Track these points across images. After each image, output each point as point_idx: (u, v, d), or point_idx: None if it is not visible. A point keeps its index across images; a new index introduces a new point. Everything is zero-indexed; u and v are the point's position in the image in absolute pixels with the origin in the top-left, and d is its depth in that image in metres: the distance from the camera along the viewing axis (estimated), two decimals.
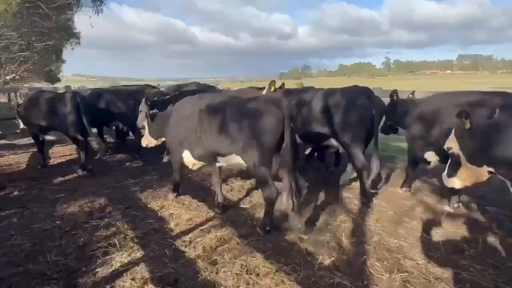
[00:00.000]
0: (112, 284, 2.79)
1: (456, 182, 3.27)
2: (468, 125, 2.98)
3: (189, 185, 5.33)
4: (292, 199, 3.41)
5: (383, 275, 2.88)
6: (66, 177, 5.97)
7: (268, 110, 3.47)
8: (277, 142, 3.46)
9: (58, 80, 41.10)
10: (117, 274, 2.94)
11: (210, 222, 3.99)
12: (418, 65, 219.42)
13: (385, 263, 3.06)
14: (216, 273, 2.92)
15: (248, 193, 4.99)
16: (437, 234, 3.58)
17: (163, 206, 4.53)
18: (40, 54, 22.45)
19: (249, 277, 2.83)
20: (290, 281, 2.78)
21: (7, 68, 22.82)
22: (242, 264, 3.03)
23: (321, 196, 4.79)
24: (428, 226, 3.73)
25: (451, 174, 3.28)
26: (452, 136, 3.20)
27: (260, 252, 3.26)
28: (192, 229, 3.81)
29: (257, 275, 2.88)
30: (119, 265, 3.08)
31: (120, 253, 3.28)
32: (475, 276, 2.83)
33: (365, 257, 3.15)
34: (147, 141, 5.14)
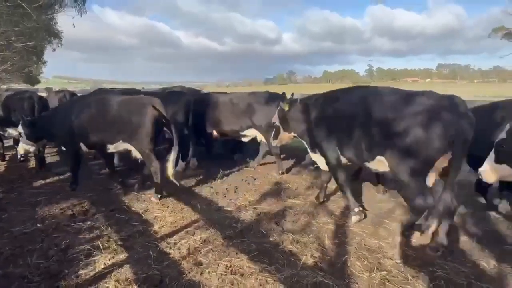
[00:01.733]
0: (96, 285, 2.78)
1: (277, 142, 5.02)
2: (286, 107, 4.59)
3: (173, 188, 5.32)
4: None
5: (364, 273, 2.97)
6: (47, 180, 5.87)
7: None
8: None
9: (38, 81, 40.20)
10: (101, 276, 2.92)
11: (195, 224, 4.01)
12: (399, 73, 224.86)
13: (365, 262, 3.16)
14: (201, 273, 2.95)
15: (232, 197, 5.02)
16: (415, 235, 3.72)
17: (147, 209, 4.52)
18: (20, 55, 21.93)
19: (234, 277, 2.88)
20: (274, 280, 2.84)
21: None
22: (226, 265, 3.07)
23: (306, 199, 4.89)
24: (407, 227, 3.86)
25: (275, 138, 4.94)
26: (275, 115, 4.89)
27: (245, 253, 3.31)
28: (176, 231, 3.82)
29: (242, 275, 2.92)
30: (102, 267, 3.06)
31: (104, 255, 3.26)
32: (450, 274, 2.96)
33: (346, 257, 3.24)
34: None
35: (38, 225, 3.97)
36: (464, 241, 3.59)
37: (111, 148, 4.96)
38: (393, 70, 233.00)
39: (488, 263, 3.13)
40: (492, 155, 3.32)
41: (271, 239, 3.64)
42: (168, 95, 6.51)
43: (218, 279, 2.85)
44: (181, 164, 6.21)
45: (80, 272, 2.98)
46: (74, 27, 13.90)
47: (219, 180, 5.84)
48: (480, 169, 3.38)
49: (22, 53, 21.14)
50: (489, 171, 3.33)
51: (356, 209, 4.04)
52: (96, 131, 4.79)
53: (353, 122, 3.67)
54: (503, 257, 3.22)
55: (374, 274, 2.95)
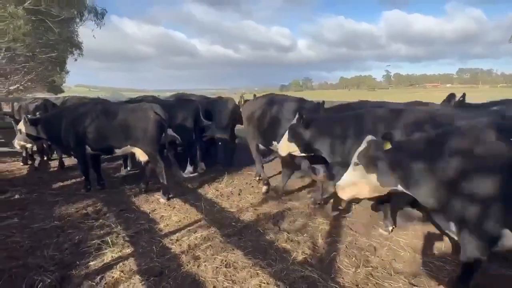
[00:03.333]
0: (103, 275, 3.08)
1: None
2: None
3: (181, 190, 5.63)
4: None
5: (350, 269, 3.16)
6: (65, 182, 6.29)
7: None
8: None
9: (62, 91, 41.83)
10: (108, 267, 3.22)
11: (197, 224, 4.28)
12: (418, 79, 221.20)
13: (353, 259, 3.34)
14: (198, 266, 3.20)
15: (235, 199, 5.27)
16: (406, 236, 3.86)
17: (155, 209, 4.82)
18: (44, 65, 23.08)
19: (227, 270, 3.12)
20: (264, 274, 3.06)
21: (11, 78, 23.39)
22: (222, 259, 3.31)
23: (305, 202, 5.08)
24: (399, 228, 4.02)
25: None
26: None
27: (241, 249, 3.54)
28: (180, 229, 4.10)
29: (235, 268, 3.16)
30: (110, 259, 3.36)
31: (112, 249, 3.57)
32: (433, 271, 3.11)
33: (336, 254, 3.43)
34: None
35: (55, 222, 4.33)
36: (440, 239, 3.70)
37: (118, 152, 5.33)
38: (412, 76, 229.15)
39: None
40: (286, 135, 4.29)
41: (267, 237, 3.86)
42: (177, 102, 6.89)
43: (212, 271, 3.10)
44: (189, 168, 6.54)
45: (90, 263, 3.29)
46: (94, 38, 14.59)
47: (224, 183, 6.10)
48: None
49: (46, 63, 22.27)
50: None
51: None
52: (104, 137, 5.18)
53: None
54: None
55: (359, 270, 3.13)
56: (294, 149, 4.30)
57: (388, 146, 2.78)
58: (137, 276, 3.03)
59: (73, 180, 6.37)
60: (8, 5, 7.25)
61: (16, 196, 5.43)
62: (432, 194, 2.58)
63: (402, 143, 2.85)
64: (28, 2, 10.71)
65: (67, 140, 5.35)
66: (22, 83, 27.28)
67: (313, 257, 3.40)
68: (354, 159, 2.98)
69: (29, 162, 7.78)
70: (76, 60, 24.05)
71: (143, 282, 2.94)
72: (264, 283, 2.92)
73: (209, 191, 5.68)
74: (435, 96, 8.27)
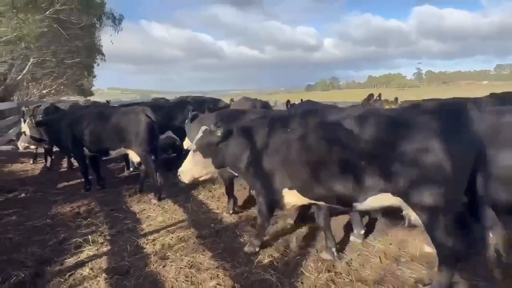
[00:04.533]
0: (73, 271, 3.23)
1: None
2: None
3: (175, 191, 5.76)
4: None
5: (313, 274, 3.12)
6: (70, 182, 6.62)
7: None
8: None
9: (91, 93, 43.80)
10: (81, 264, 3.38)
11: (179, 224, 4.37)
12: (451, 76, 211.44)
13: (319, 264, 3.29)
14: (163, 266, 3.29)
15: (225, 200, 5.30)
16: (383, 242, 3.75)
17: (144, 209, 4.98)
18: (71, 70, 24.30)
19: (189, 271, 3.18)
20: (225, 276, 3.09)
21: (42, 82, 24.80)
22: (189, 260, 3.38)
23: None
24: (373, 235, 3.91)
25: None
26: None
27: (211, 251, 3.60)
28: (160, 229, 4.21)
29: (198, 269, 3.21)
30: (85, 257, 3.53)
31: (90, 247, 3.74)
32: (399, 278, 3.01)
33: (303, 258, 3.40)
34: None
35: (48, 220, 4.58)
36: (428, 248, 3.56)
37: (113, 154, 5.55)
38: (445, 73, 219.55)
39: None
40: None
41: (241, 239, 3.89)
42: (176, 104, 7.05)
43: (175, 272, 3.17)
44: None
45: (66, 261, 3.47)
46: (112, 43, 15.20)
47: (218, 184, 6.17)
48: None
49: (73, 68, 23.47)
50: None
51: None
52: (100, 139, 5.41)
53: None
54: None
55: (321, 275, 3.08)
56: None
57: (219, 133, 3.41)
58: (104, 274, 3.16)
59: (78, 180, 6.67)
60: (17, 12, 7.74)
61: (22, 195, 5.80)
62: (245, 171, 3.46)
63: (228, 132, 3.46)
64: (49, 11, 11.35)
65: (66, 142, 5.64)
66: (54, 87, 28.92)
67: (280, 260, 3.39)
68: (192, 146, 3.61)
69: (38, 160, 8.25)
70: (98, 64, 25.17)
71: (107, 280, 3.06)
72: (221, 285, 2.96)
73: (202, 192, 5.78)
74: (469, 93, 7.88)
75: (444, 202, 2.52)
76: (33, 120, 5.81)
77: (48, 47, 14.65)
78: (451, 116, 2.64)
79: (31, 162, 8.42)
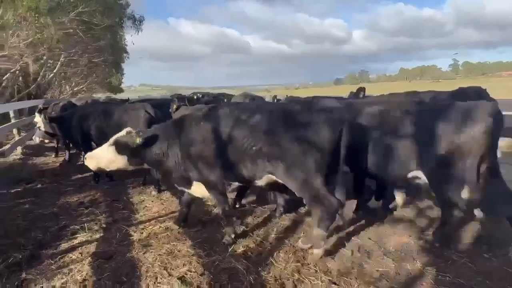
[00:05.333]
0: (64, 255, 3.54)
1: None
2: None
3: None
4: None
5: (281, 264, 3.22)
6: (84, 174, 7.07)
7: None
8: None
9: (121, 90, 45.60)
10: (72, 249, 3.69)
11: (171, 215, 4.61)
12: (492, 67, 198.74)
13: (290, 255, 3.39)
14: (144, 253, 3.52)
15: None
16: (359, 237, 3.78)
17: (143, 200, 5.27)
18: (100, 68, 25.44)
19: (166, 258, 3.39)
20: (197, 263, 3.28)
21: (74, 81, 26.18)
22: (169, 248, 3.59)
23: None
24: (348, 230, 3.95)
25: None
26: None
27: (192, 240, 3.80)
28: (152, 219, 4.47)
29: (174, 257, 3.42)
30: (77, 242, 3.84)
31: (85, 234, 4.05)
32: (365, 271, 3.06)
33: (277, 249, 3.52)
34: None
35: (54, 209, 4.97)
36: (400, 243, 3.55)
37: None
38: (484, 64, 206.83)
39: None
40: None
41: (223, 230, 4.04)
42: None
43: (153, 258, 3.39)
44: None
45: (61, 245, 3.79)
46: (133, 44, 15.78)
47: None
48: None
49: (101, 67, 24.56)
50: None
51: None
52: (104, 134, 5.74)
53: None
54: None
55: (289, 265, 3.18)
56: None
57: (137, 141, 3.61)
58: (89, 258, 3.44)
59: (90, 173, 7.10)
60: (38, 15, 8.31)
61: (38, 185, 6.29)
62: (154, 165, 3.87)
63: (148, 140, 3.68)
64: (74, 13, 12.01)
65: (76, 137, 6.05)
66: (85, 84, 30.43)
67: (254, 250, 3.53)
68: (111, 141, 3.79)
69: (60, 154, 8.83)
70: (123, 62, 26.13)
71: (90, 264, 3.34)
72: (191, 271, 3.14)
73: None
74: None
75: (308, 181, 3.15)
76: (46, 116, 6.27)
77: (75, 47, 15.45)
78: (317, 110, 3.31)
79: (53, 155, 9.03)
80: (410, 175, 3.45)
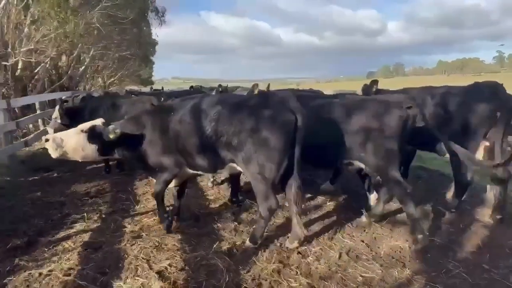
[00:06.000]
0: (58, 243, 3.67)
1: None
2: None
3: None
4: None
5: (262, 264, 3.15)
6: (99, 165, 7.31)
7: None
8: None
9: (151, 83, 46.92)
10: (67, 237, 3.81)
11: (168, 208, 4.64)
12: None
13: (274, 255, 3.31)
14: (132, 245, 3.57)
15: (222, 188, 5.47)
16: (352, 239, 3.63)
17: (146, 192, 5.36)
18: (130, 62, 26.21)
19: (151, 251, 3.41)
20: (180, 257, 3.28)
21: (105, 73, 27.21)
22: (156, 241, 3.62)
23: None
24: (342, 231, 3.78)
25: None
26: None
27: (182, 234, 3.80)
28: (149, 211, 4.53)
29: (160, 250, 3.44)
30: (73, 231, 3.96)
31: (82, 223, 4.17)
32: (348, 276, 2.92)
33: (259, 247, 3.44)
34: None
35: (62, 198, 5.17)
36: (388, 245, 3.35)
37: None
38: None
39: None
40: None
41: (214, 225, 4.03)
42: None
43: (138, 250, 3.43)
44: None
45: (58, 233, 3.93)
46: (157, 36, 16.07)
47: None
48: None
49: (131, 60, 25.30)
50: None
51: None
52: None
53: None
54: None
55: (269, 266, 3.10)
56: None
57: (111, 136, 3.56)
58: (79, 248, 3.54)
59: (103, 164, 7.35)
60: (59, 10, 8.63)
61: (54, 174, 6.58)
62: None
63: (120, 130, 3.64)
64: (98, 7, 12.40)
65: None
66: (116, 77, 31.55)
67: (239, 248, 3.47)
68: (82, 126, 3.74)
69: None
70: (152, 56, 26.75)
71: (79, 253, 3.43)
72: (172, 265, 3.14)
73: (205, 180, 5.99)
74: None
75: (269, 170, 3.18)
76: (62, 108, 6.51)
77: (102, 42, 15.98)
78: (273, 103, 3.32)
79: None
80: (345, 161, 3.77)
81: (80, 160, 4.06)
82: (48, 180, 6.23)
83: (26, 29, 9.36)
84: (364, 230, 3.82)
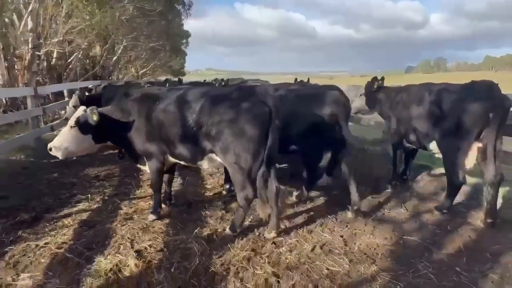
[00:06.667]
0: (58, 220, 4.02)
1: None
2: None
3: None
4: None
5: (235, 251, 3.28)
6: (115, 151, 7.75)
7: None
8: None
9: (183, 74, 48.01)
10: (68, 215, 4.16)
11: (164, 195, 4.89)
12: None
13: (250, 243, 3.43)
14: (122, 225, 3.84)
15: (221, 178, 5.64)
16: (331, 233, 3.66)
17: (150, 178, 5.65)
18: (161, 53, 26.99)
19: (137, 231, 3.66)
20: (162, 240, 3.50)
21: (137, 64, 28.21)
22: (144, 223, 3.87)
23: None
24: (325, 225, 3.82)
25: None
26: None
27: (168, 218, 4.04)
28: (146, 196, 4.80)
29: (145, 231, 3.68)
30: (75, 210, 4.31)
31: (85, 203, 4.52)
32: (314, 268, 2.98)
33: (238, 234, 3.57)
34: None
35: (74, 179, 5.60)
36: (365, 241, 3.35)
37: None
38: None
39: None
40: None
41: (203, 212, 4.21)
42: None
43: (126, 230, 3.69)
44: None
45: (62, 211, 4.29)
46: (183, 25, 16.42)
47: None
48: None
49: (162, 51, 26.06)
50: None
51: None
52: None
53: None
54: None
55: (241, 253, 3.23)
56: None
57: (94, 118, 3.70)
58: (76, 225, 3.86)
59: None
60: (87, 3, 9.15)
61: (74, 158, 7.06)
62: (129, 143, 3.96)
63: (105, 115, 3.86)
64: (126, 1, 12.92)
65: None
66: (148, 68, 32.63)
67: (219, 234, 3.63)
68: (71, 123, 3.79)
69: None
70: (186, 47, 27.32)
71: (74, 230, 3.75)
72: (152, 246, 3.36)
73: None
74: None
75: (245, 160, 3.30)
76: (82, 96, 6.97)
77: (133, 33, 16.62)
78: (249, 96, 3.50)
79: None
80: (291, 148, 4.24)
81: (88, 152, 4.23)
82: (66, 163, 6.69)
83: (59, 21, 10.03)
84: (347, 226, 3.84)
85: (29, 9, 9.15)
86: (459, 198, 4.46)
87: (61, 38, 9.89)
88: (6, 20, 10.42)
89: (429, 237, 3.55)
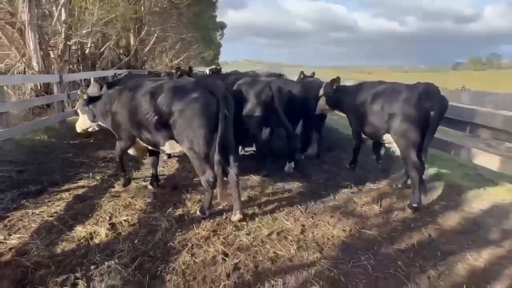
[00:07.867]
0: (58, 193, 4.55)
1: None
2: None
3: None
4: None
5: (198, 229, 3.60)
6: None
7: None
8: None
9: (217, 65, 48.90)
10: (67, 190, 4.69)
11: (160, 177, 5.30)
12: None
13: (214, 224, 3.73)
14: (109, 201, 4.29)
15: None
16: (294, 222, 3.85)
17: None
18: (194, 44, 27.71)
19: (119, 208, 4.09)
20: (137, 216, 3.89)
21: (170, 54, 29.16)
22: (129, 201, 4.29)
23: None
24: (282, 213, 4.01)
25: None
26: None
27: (154, 198, 4.43)
28: (139, 178, 5.24)
29: (127, 208, 4.10)
30: (75, 186, 4.84)
31: (85, 181, 5.05)
32: (261, 252, 3.22)
33: (207, 216, 3.87)
34: None
35: (84, 159, 6.18)
36: (320, 232, 3.50)
37: None
38: None
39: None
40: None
41: (183, 195, 4.55)
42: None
43: (109, 206, 4.13)
44: None
45: (64, 185, 4.84)
46: (215, 16, 16.78)
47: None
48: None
49: (195, 42, 26.75)
50: None
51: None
52: None
53: None
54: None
55: (202, 232, 3.54)
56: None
57: (85, 97, 4.58)
58: (71, 199, 4.37)
59: None
60: None
61: (91, 140, 7.74)
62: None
63: (92, 96, 4.65)
64: None
65: None
66: (182, 58, 33.65)
67: (191, 216, 3.95)
68: (78, 105, 4.89)
69: None
70: (221, 39, 27.82)
71: (67, 202, 4.26)
72: (126, 221, 3.77)
73: None
74: None
75: (198, 145, 3.66)
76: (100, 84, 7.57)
77: (163, 25, 17.31)
78: (199, 87, 3.78)
79: None
80: None
81: (93, 129, 5.16)
82: (83, 145, 7.38)
83: (87, 13, 10.86)
84: (312, 216, 4.00)
85: (63, 0, 9.95)
86: (439, 199, 4.47)
87: (89, 30, 10.73)
88: (46, 12, 11.39)
89: (387, 232, 3.64)
